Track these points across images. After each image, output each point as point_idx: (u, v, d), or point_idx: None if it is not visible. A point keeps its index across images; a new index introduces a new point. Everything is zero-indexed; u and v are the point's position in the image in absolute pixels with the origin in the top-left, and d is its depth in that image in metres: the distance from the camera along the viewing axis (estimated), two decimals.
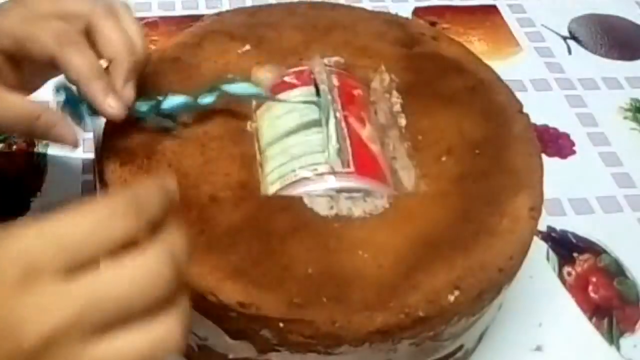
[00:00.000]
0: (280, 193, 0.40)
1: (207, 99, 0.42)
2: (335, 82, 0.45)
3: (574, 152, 0.59)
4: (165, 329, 0.26)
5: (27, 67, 0.41)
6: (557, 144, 0.60)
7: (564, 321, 0.47)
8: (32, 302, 0.25)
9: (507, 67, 0.62)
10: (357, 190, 0.40)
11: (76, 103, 0.41)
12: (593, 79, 0.66)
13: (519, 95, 0.47)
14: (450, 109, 0.45)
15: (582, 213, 0.55)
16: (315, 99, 0.43)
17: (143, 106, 0.41)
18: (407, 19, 0.54)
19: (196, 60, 0.47)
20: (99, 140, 0.43)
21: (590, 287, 0.51)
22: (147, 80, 0.45)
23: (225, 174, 0.41)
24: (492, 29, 0.70)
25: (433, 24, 0.69)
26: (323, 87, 0.43)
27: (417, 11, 0.71)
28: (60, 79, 0.41)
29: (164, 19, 0.68)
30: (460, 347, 0.41)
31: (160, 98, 0.42)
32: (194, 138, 0.42)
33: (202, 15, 0.53)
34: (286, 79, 0.44)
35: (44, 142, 0.56)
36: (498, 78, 0.48)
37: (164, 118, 0.42)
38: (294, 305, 0.36)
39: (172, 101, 0.42)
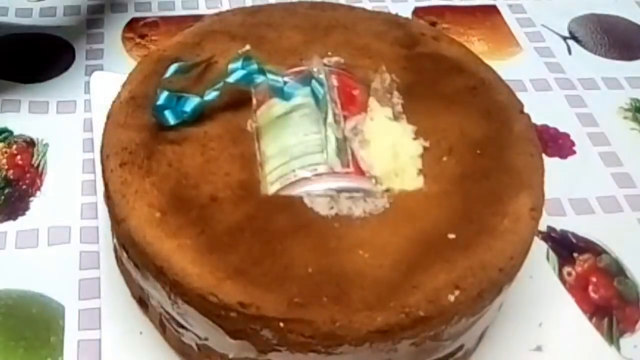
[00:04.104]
0: (280, 193, 0.40)
1: (211, 95, 0.42)
2: (335, 82, 0.45)
3: (574, 152, 0.59)
4: None
5: None
6: (557, 144, 0.60)
7: (564, 321, 0.47)
8: None
9: (507, 67, 0.62)
10: (357, 190, 0.40)
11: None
12: (593, 79, 0.66)
13: (519, 95, 0.47)
14: (451, 109, 0.45)
15: (582, 213, 0.55)
16: (314, 99, 0.43)
17: (166, 110, 0.42)
18: (407, 19, 0.54)
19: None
20: (99, 140, 0.44)
21: (590, 287, 0.51)
22: (148, 80, 0.46)
23: (225, 174, 0.41)
24: (492, 29, 0.70)
25: (433, 24, 0.69)
26: (322, 88, 0.43)
27: (417, 11, 0.71)
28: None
29: (164, 19, 0.68)
30: (461, 347, 0.41)
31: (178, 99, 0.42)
32: (194, 138, 0.42)
33: (202, 15, 0.53)
34: (286, 79, 0.44)
35: (44, 142, 0.56)
36: (499, 78, 0.48)
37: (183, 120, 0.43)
38: (294, 305, 0.36)
39: (192, 102, 0.42)
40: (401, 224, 0.39)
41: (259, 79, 0.43)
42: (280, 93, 0.43)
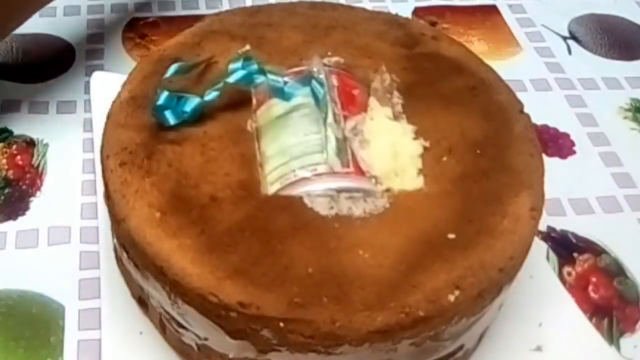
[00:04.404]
0: (280, 193, 0.40)
1: (211, 95, 0.42)
2: (335, 82, 0.45)
3: (574, 152, 0.60)
4: None
5: None
6: (557, 144, 0.60)
7: (564, 321, 0.47)
8: None
9: (507, 67, 0.62)
10: (357, 190, 0.40)
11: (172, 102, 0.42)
12: (593, 79, 0.66)
13: (519, 95, 0.47)
14: (451, 109, 0.45)
15: (582, 213, 0.55)
16: (314, 99, 0.43)
17: (166, 110, 0.42)
18: (407, 19, 0.54)
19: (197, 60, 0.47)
20: (99, 140, 0.44)
21: (590, 287, 0.51)
22: (148, 80, 0.46)
23: (225, 174, 0.41)
24: (492, 29, 0.70)
25: (433, 24, 0.69)
26: (322, 88, 0.43)
27: (417, 11, 0.71)
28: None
29: (164, 19, 0.68)
30: (461, 347, 0.41)
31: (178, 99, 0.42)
32: (193, 138, 0.42)
33: (202, 15, 0.53)
34: (286, 79, 0.44)
35: (44, 142, 0.56)
36: (499, 78, 0.48)
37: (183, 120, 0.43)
38: (294, 305, 0.36)
39: (192, 102, 0.42)
40: (401, 224, 0.39)
41: (259, 79, 0.43)
42: (280, 93, 0.43)
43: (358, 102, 0.45)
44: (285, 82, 0.43)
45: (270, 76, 0.43)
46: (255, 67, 0.43)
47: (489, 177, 0.42)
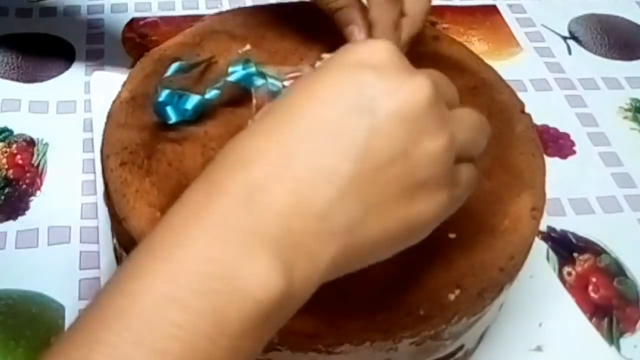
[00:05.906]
0: None
1: (212, 93, 0.42)
2: None
3: (574, 152, 0.60)
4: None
5: None
6: (557, 144, 0.60)
7: (564, 321, 0.47)
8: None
9: (507, 67, 0.62)
10: None
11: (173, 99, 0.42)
12: (593, 79, 0.66)
13: (519, 95, 0.47)
14: None
15: (582, 213, 0.55)
16: None
17: (169, 107, 0.42)
18: None
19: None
20: (99, 140, 0.44)
21: (590, 287, 0.51)
22: (148, 80, 0.46)
23: None
24: (492, 29, 0.70)
25: (433, 24, 0.69)
26: None
27: None
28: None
29: (164, 19, 0.68)
30: (461, 347, 0.41)
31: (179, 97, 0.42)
32: (194, 138, 0.42)
33: (202, 15, 0.53)
34: (285, 83, 0.44)
35: (44, 142, 0.56)
36: (500, 78, 0.48)
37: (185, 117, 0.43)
38: None
39: (193, 100, 0.42)
40: None
41: (259, 81, 0.43)
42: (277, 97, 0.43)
43: None
44: (284, 87, 0.43)
45: (269, 80, 0.43)
46: (254, 69, 0.43)
47: (491, 177, 0.42)
